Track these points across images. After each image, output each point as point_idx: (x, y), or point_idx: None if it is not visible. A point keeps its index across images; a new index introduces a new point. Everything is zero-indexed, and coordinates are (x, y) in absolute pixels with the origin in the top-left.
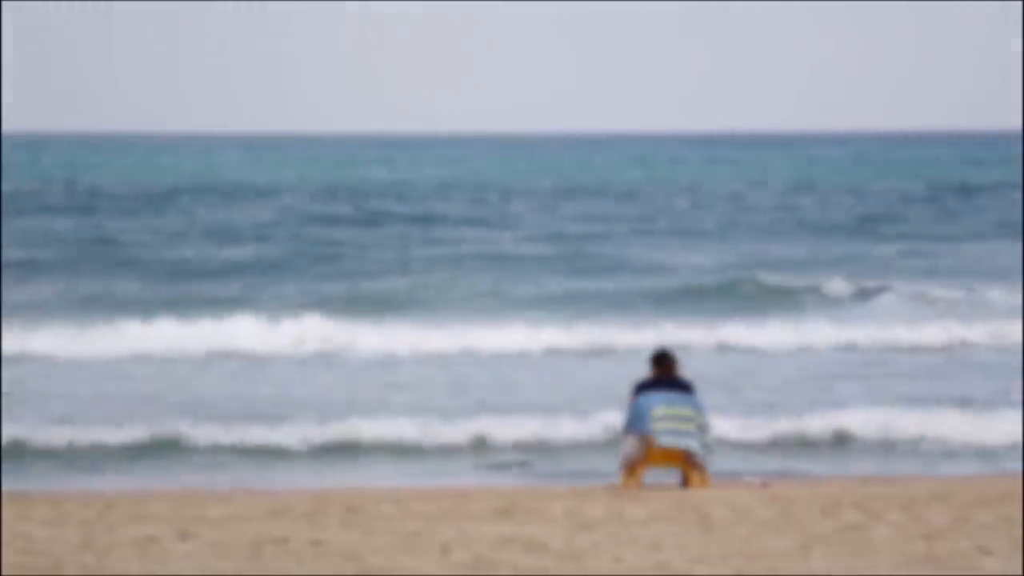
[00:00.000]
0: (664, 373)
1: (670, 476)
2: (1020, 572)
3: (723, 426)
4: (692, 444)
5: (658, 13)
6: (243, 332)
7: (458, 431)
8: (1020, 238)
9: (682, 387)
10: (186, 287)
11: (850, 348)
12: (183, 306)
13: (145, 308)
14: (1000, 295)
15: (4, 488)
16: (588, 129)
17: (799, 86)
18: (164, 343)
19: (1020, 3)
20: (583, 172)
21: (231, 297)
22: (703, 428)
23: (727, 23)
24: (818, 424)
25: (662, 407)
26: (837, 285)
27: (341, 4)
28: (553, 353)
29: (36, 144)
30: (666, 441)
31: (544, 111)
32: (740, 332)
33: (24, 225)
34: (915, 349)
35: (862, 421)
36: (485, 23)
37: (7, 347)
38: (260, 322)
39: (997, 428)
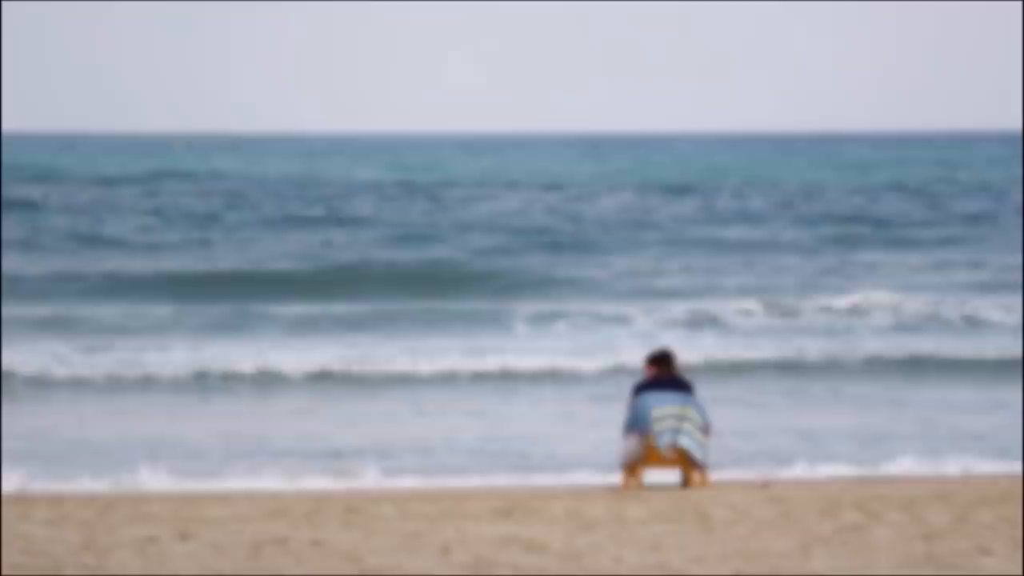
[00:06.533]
0: (664, 373)
1: (670, 476)
2: (1020, 572)
3: None
4: (690, 444)
5: (662, 11)
6: None
7: None
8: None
9: (682, 386)
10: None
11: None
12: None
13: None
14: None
15: (4, 488)
16: (587, 130)
17: (807, 86)
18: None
19: (1020, 3)
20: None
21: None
22: (703, 428)
23: (729, 23)
24: None
25: (663, 407)
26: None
27: (336, 4)
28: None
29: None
30: (665, 441)
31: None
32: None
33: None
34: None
35: None
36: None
37: None
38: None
39: None
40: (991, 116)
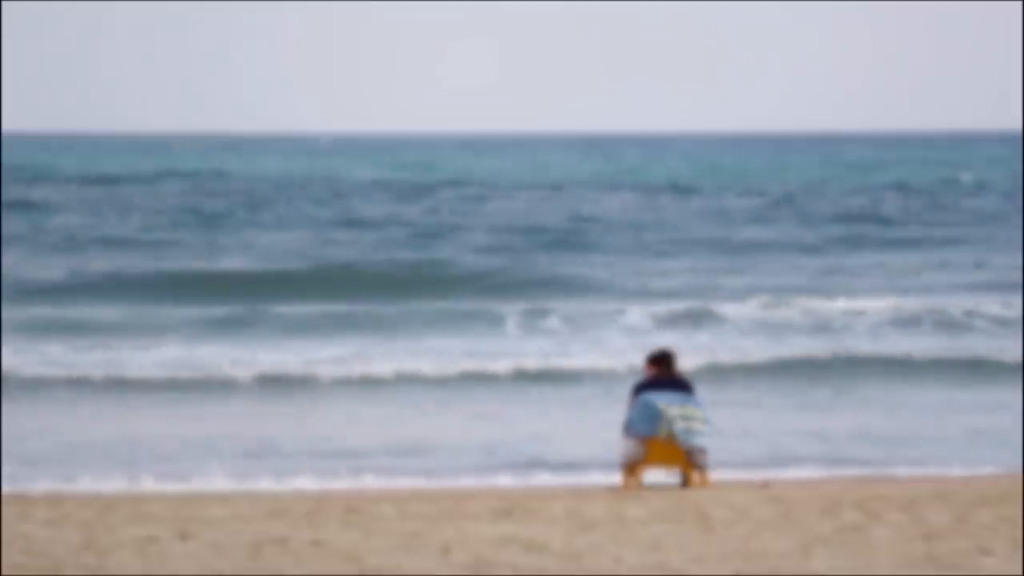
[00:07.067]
0: (664, 373)
1: (670, 476)
2: (1020, 572)
3: None
4: (704, 442)
5: (662, 11)
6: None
7: None
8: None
9: (682, 386)
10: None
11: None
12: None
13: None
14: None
15: (4, 488)
16: (591, 129)
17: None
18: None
19: (1020, 3)
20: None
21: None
22: (707, 428)
23: (729, 23)
24: None
25: (672, 406)
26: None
27: (325, 4)
28: None
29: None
30: (681, 439)
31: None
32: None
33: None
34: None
35: None
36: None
37: None
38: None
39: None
40: (991, 116)
